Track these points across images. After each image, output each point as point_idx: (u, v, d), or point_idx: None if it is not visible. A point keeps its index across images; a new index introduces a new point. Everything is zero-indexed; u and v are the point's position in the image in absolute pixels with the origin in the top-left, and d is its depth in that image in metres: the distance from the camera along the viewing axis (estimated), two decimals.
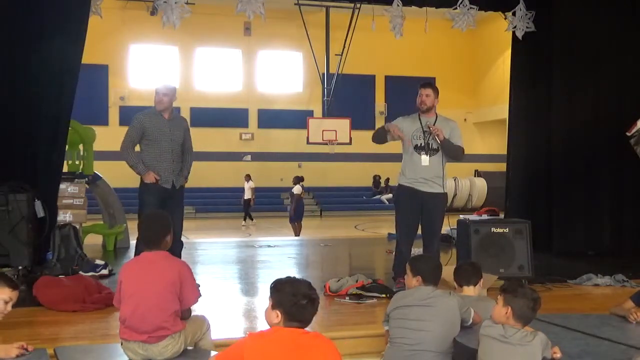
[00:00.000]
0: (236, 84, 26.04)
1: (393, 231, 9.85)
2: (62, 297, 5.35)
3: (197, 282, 3.89)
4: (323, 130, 21.58)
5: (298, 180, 16.56)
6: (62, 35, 7.17)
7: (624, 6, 9.03)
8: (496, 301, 3.31)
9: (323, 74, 24.57)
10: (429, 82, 6.55)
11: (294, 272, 7.14)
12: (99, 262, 7.21)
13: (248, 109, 26.03)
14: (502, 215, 10.35)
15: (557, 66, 9.12)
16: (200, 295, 3.78)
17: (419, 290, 3.84)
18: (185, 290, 3.64)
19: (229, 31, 24.77)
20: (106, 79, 24.30)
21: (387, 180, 26.09)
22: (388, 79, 26.86)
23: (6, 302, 3.54)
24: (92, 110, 20.26)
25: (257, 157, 25.79)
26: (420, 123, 6.13)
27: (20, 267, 6.60)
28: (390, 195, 24.95)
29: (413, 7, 9.09)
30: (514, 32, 9.35)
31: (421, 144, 6.11)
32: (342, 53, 23.10)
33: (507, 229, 6.40)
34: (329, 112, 24.10)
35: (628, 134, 7.88)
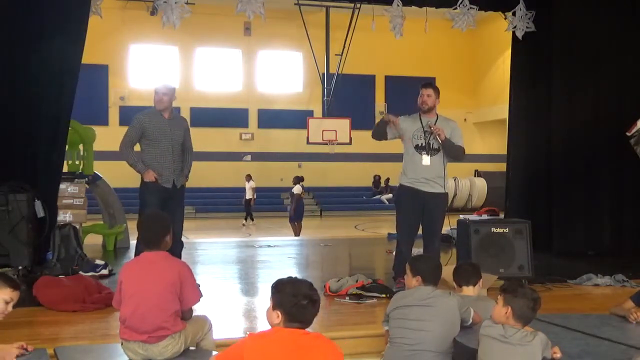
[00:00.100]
0: (236, 84, 26.04)
1: (393, 231, 9.85)
2: (62, 297, 5.35)
3: (197, 282, 3.88)
4: (323, 130, 21.58)
5: (298, 180, 16.56)
6: (62, 35, 7.17)
7: (624, 6, 9.03)
8: (496, 301, 3.31)
9: (323, 74, 24.57)
10: (430, 83, 6.55)
11: (294, 272, 7.14)
12: (99, 262, 7.21)
13: (248, 109, 26.03)
14: (502, 215, 10.36)
15: (557, 66, 9.12)
16: (202, 296, 3.77)
17: (419, 290, 3.84)
18: (186, 290, 3.64)
19: (229, 31, 24.77)
20: (106, 79, 24.30)
21: (387, 180, 26.09)
22: (388, 79, 26.86)
23: (7, 303, 3.53)
24: (92, 110, 20.26)
25: (257, 157, 25.79)
26: (421, 123, 6.13)
27: (20, 267, 6.61)
28: (390, 195, 24.96)
29: (413, 7, 9.10)
30: (514, 32, 9.35)
31: (422, 143, 6.10)
32: (342, 53, 23.11)
33: (507, 229, 6.40)
34: (329, 112, 24.10)
35: (628, 134, 7.88)
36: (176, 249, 5.67)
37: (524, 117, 9.68)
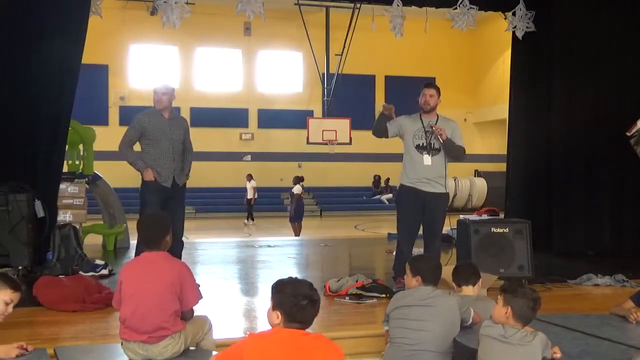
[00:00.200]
0: (236, 84, 26.04)
1: (393, 231, 9.85)
2: (62, 297, 5.35)
3: (197, 282, 3.88)
4: (323, 130, 21.57)
5: (298, 180, 16.56)
6: (62, 35, 7.17)
7: (624, 6, 9.03)
8: (496, 301, 3.31)
9: (323, 74, 24.57)
10: (432, 83, 6.54)
11: (294, 272, 7.14)
12: (99, 262, 7.21)
13: (248, 109, 26.03)
14: (502, 215, 10.36)
15: (557, 66, 9.12)
16: (202, 297, 3.77)
17: (419, 290, 3.84)
18: (186, 291, 3.64)
19: (229, 31, 24.77)
20: (106, 79, 24.29)
21: (387, 180, 26.10)
22: (388, 79, 26.85)
23: (7, 304, 3.52)
24: (92, 110, 20.26)
25: (257, 157, 25.79)
26: (422, 123, 6.13)
27: (20, 267, 6.61)
28: (390, 195, 24.97)
29: (413, 7, 9.10)
30: (514, 32, 9.35)
31: (423, 143, 6.10)
32: (342, 53, 23.10)
33: (507, 229, 6.40)
34: (329, 112, 24.10)
35: (628, 134, 7.88)
36: (176, 248, 5.67)
37: (524, 117, 9.68)
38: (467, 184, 26.07)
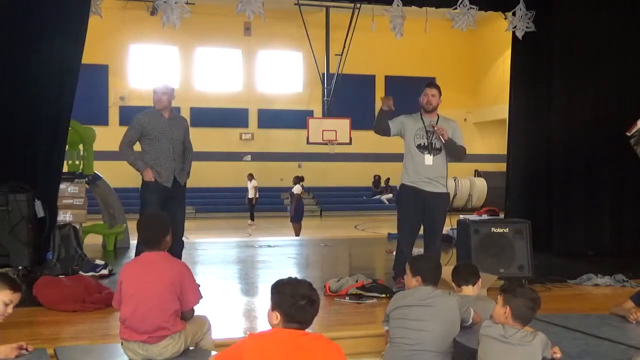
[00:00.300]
0: (236, 84, 26.04)
1: (393, 231, 9.85)
2: (62, 297, 5.35)
3: (197, 282, 3.88)
4: (323, 130, 21.57)
5: (298, 180, 16.56)
6: (62, 35, 7.17)
7: (624, 6, 9.03)
8: (496, 301, 3.31)
9: (323, 74, 24.57)
10: (434, 82, 6.52)
11: (294, 272, 7.15)
12: (99, 262, 7.21)
13: (248, 109, 26.03)
14: (502, 215, 10.36)
15: (557, 66, 9.12)
16: (202, 297, 3.77)
17: (419, 290, 3.84)
18: (186, 291, 3.64)
19: (229, 31, 24.77)
20: (106, 79, 24.29)
21: (387, 180, 26.10)
22: (388, 79, 26.84)
23: (6, 304, 3.52)
24: (92, 110, 20.25)
25: (257, 157, 25.79)
26: (423, 122, 6.13)
27: (20, 267, 6.61)
28: (390, 195, 24.97)
29: (413, 7, 9.10)
30: (514, 32, 9.35)
31: (424, 143, 6.10)
32: (342, 53, 23.10)
33: (507, 229, 6.40)
34: (329, 112, 24.10)
35: (628, 134, 7.88)
36: (177, 248, 5.67)
37: (524, 117, 9.68)
38: (467, 184, 26.07)
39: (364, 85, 26.37)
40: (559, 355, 3.21)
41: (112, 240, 9.52)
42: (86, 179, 9.21)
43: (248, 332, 4.24)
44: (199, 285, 3.87)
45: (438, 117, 6.20)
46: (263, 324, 4.54)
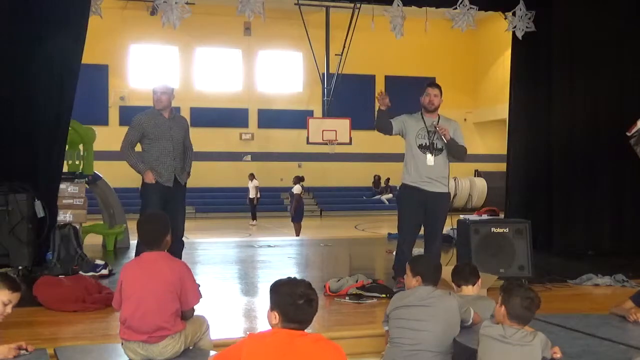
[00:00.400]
0: (236, 84, 26.04)
1: (393, 231, 9.86)
2: (62, 297, 5.35)
3: (197, 282, 3.88)
4: (323, 130, 21.55)
5: (298, 180, 16.56)
6: (62, 35, 7.17)
7: (624, 6, 9.02)
8: (497, 301, 3.31)
9: (323, 74, 24.56)
10: (435, 82, 6.51)
11: (294, 272, 7.15)
12: (99, 262, 7.21)
13: (248, 109, 26.02)
14: (502, 215, 10.35)
15: (557, 66, 9.12)
16: (202, 297, 3.77)
17: (419, 290, 3.84)
18: (186, 290, 3.64)
19: (229, 31, 24.76)
20: (106, 79, 24.29)
21: (387, 180, 26.09)
22: (388, 79, 26.82)
23: (5, 304, 3.52)
24: (92, 110, 20.24)
25: (257, 157, 25.78)
26: (424, 122, 6.13)
27: (20, 267, 6.61)
28: (390, 195, 24.96)
29: (413, 7, 9.09)
30: (514, 32, 9.35)
31: (426, 143, 6.10)
32: (342, 53, 23.08)
33: (507, 229, 6.40)
34: (329, 112, 24.08)
35: (628, 134, 7.87)
36: (177, 248, 5.67)
37: (524, 117, 9.68)
38: (467, 184, 26.05)
39: (364, 85, 26.33)
40: (559, 355, 3.21)
41: (112, 240, 9.52)
42: (86, 179, 9.21)
43: (248, 332, 4.24)
44: (199, 285, 3.87)
45: (439, 117, 6.20)
46: (263, 324, 4.54)
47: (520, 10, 9.14)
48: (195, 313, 3.85)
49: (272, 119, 25.82)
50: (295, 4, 21.22)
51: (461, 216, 8.17)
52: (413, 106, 6.28)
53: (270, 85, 26.33)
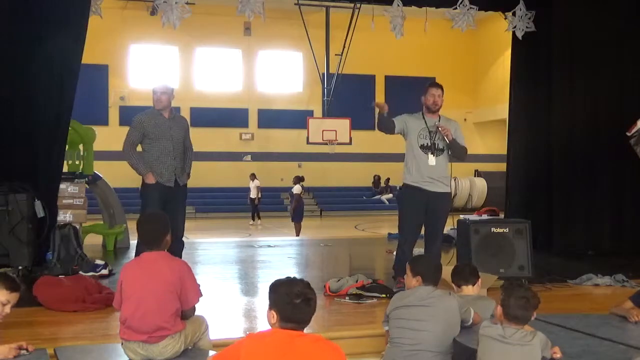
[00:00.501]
0: (236, 84, 26.04)
1: (393, 231, 9.86)
2: (62, 297, 5.35)
3: (197, 282, 3.88)
4: (323, 130, 21.54)
5: (298, 180, 16.56)
6: (62, 35, 7.17)
7: (624, 6, 9.02)
8: (497, 301, 3.31)
9: (323, 74, 24.55)
10: (437, 82, 6.48)
11: (294, 272, 7.14)
12: (99, 262, 7.21)
13: (248, 109, 26.02)
14: (502, 215, 10.36)
15: (557, 66, 9.12)
16: (202, 295, 3.77)
17: (419, 290, 3.84)
18: (187, 290, 3.64)
19: (229, 31, 24.76)
20: (106, 79, 24.28)
21: (387, 180, 26.09)
22: (388, 79, 26.83)
23: (4, 305, 3.51)
24: (92, 110, 20.23)
25: (257, 157, 25.78)
26: (425, 123, 6.13)
27: (20, 267, 6.61)
28: (390, 195, 24.96)
29: (413, 7, 9.09)
30: (514, 32, 9.35)
31: (427, 143, 6.09)
32: (342, 53, 23.07)
33: (507, 229, 6.41)
34: (329, 112, 24.07)
35: (628, 134, 7.87)
36: (177, 248, 5.67)
37: (524, 117, 9.68)
38: (467, 184, 26.05)
39: (364, 85, 26.33)
40: (559, 355, 3.21)
41: (112, 240, 9.52)
42: (86, 179, 9.21)
43: (248, 332, 4.24)
44: (199, 285, 3.87)
45: (440, 117, 6.20)
46: (263, 324, 4.54)
47: (520, 10, 9.14)
48: (195, 313, 3.86)
49: (272, 119, 25.81)
50: (295, 4, 21.21)
51: (461, 216, 8.18)
52: (413, 106, 6.28)
53: (270, 85, 26.33)
